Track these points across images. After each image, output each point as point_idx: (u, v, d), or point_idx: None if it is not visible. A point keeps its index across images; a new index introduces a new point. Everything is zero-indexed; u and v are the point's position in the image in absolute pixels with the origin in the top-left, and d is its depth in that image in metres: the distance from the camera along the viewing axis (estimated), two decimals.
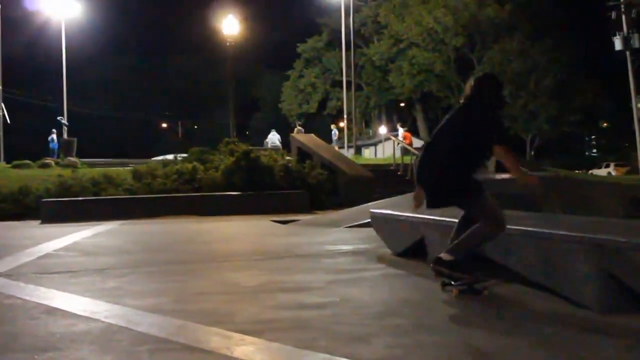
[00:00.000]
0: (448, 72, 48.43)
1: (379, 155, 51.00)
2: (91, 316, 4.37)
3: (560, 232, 4.54)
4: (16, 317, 4.44)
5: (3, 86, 39.06)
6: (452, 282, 5.08)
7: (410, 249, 6.91)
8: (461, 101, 5.41)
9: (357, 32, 49.96)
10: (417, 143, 33.00)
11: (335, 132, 46.47)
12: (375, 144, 58.28)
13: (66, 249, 9.18)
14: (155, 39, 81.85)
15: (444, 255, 4.99)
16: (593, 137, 73.60)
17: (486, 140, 5.10)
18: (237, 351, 3.44)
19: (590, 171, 48.32)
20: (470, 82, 5.34)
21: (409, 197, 7.08)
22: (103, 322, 4.19)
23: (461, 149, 5.02)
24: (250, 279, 6.14)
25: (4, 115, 37.54)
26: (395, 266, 6.61)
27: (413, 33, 49.04)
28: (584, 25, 47.89)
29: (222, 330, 3.88)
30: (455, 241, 5.05)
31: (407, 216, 6.81)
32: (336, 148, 33.47)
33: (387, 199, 12.73)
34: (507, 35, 47.13)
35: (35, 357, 3.42)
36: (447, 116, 5.41)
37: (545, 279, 4.70)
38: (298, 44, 62.44)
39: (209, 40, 56.24)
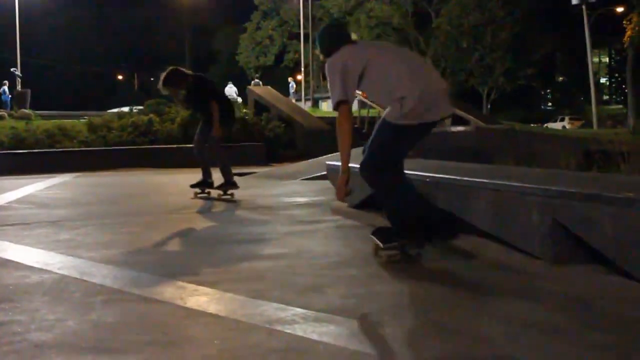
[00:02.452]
0: (406, 26, 48.36)
1: None
2: (44, 268, 4.35)
3: (513, 184, 4.59)
4: None
5: None
6: None
7: (365, 201, 6.94)
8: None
9: None
10: None
11: (292, 85, 46.36)
12: None
13: (19, 201, 9.07)
14: None
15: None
16: (548, 91, 74.06)
17: None
18: (191, 301, 3.46)
19: (545, 125, 48.84)
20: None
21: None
22: (56, 273, 4.18)
23: None
24: (205, 230, 6.16)
25: None
26: (350, 218, 6.67)
27: None
28: None
29: (176, 281, 3.89)
30: None
31: None
32: (294, 101, 33.37)
33: None
34: None
35: None
36: None
37: (499, 230, 4.76)
38: None
39: None
